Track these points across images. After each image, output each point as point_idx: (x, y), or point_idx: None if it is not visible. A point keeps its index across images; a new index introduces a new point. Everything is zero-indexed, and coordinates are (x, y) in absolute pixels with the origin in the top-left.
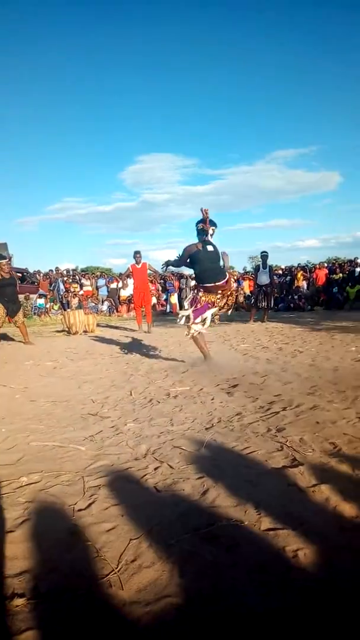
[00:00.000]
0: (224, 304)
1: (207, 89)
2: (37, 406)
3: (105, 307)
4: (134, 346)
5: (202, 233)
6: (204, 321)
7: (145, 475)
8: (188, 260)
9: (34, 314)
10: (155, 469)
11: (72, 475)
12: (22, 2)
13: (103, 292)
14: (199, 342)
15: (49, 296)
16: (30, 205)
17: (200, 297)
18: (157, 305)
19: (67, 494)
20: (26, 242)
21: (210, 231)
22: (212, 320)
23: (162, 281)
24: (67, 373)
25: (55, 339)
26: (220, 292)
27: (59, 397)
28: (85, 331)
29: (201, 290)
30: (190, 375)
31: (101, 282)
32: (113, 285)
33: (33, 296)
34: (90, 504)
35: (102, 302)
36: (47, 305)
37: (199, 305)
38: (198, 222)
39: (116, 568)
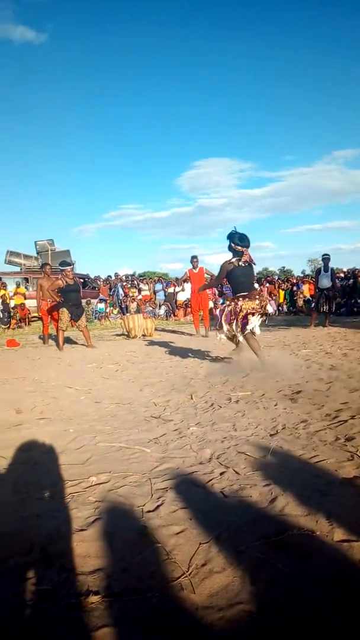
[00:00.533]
0: (257, 310)
1: (262, 91)
2: (101, 408)
3: (162, 311)
4: (193, 350)
5: (238, 254)
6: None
7: (211, 479)
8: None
9: (95, 318)
10: (221, 474)
11: (139, 476)
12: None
13: (160, 296)
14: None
15: (108, 301)
16: (89, 213)
17: (227, 306)
18: (213, 310)
19: (135, 495)
20: (86, 249)
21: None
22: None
23: (219, 285)
24: (129, 376)
25: (116, 343)
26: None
27: (122, 399)
28: (143, 335)
29: (233, 300)
30: (250, 380)
31: (159, 286)
32: (170, 290)
33: (94, 301)
34: (158, 506)
35: (160, 306)
36: (107, 310)
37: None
38: (232, 237)
39: (187, 571)
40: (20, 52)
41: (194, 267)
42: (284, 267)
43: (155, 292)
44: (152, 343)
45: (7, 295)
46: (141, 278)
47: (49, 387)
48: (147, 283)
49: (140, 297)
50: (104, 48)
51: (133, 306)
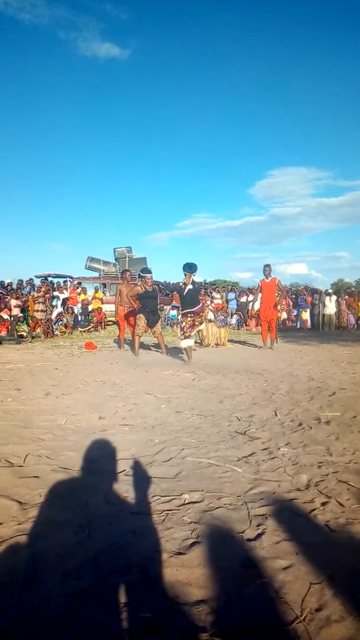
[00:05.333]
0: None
1: (340, 97)
2: (183, 418)
3: (234, 320)
4: (269, 363)
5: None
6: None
7: (313, 510)
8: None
9: (167, 324)
10: (323, 504)
11: (234, 499)
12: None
13: (232, 305)
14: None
15: None
16: (161, 222)
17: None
18: (287, 321)
19: (232, 519)
20: (157, 256)
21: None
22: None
23: (293, 296)
24: (206, 386)
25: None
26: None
27: (203, 410)
28: (216, 344)
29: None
30: (338, 400)
31: (231, 295)
32: (243, 299)
33: (167, 307)
34: (259, 535)
35: (232, 315)
36: (179, 317)
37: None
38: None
39: (300, 616)
40: (106, 68)
41: (266, 277)
42: None
43: (227, 301)
44: (225, 353)
45: (87, 299)
46: (213, 286)
47: (128, 393)
48: (219, 291)
49: (212, 305)
50: (181, 61)
51: (206, 314)
